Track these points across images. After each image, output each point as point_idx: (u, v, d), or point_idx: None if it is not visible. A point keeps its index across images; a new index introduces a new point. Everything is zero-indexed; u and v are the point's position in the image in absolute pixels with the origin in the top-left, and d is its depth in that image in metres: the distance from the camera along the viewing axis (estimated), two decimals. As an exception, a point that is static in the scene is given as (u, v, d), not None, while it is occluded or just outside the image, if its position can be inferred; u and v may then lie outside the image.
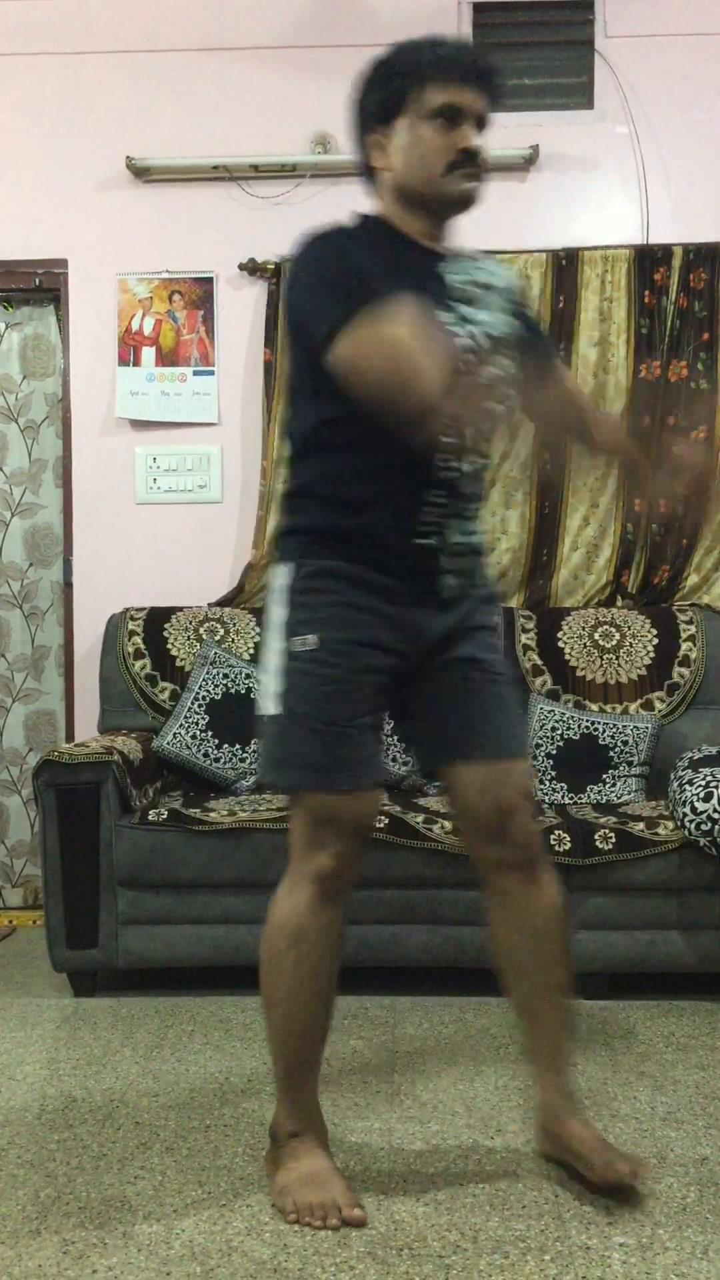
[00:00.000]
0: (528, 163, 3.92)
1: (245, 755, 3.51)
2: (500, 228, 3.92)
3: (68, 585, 4.10)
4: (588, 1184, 1.95)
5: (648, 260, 3.85)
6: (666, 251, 3.85)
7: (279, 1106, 1.98)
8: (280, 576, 1.93)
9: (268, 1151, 2.02)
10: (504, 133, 3.93)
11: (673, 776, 3.20)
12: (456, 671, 1.96)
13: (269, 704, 1.91)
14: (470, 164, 1.88)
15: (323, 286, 1.80)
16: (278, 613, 1.91)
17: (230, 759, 3.51)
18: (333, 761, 1.86)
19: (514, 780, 1.96)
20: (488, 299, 1.96)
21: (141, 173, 3.99)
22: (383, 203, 1.96)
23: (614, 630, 3.70)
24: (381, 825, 3.01)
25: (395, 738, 3.46)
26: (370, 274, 1.79)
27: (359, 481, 1.88)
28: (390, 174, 1.91)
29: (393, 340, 1.69)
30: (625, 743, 3.45)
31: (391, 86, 1.88)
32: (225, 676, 3.59)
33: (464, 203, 1.92)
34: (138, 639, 3.76)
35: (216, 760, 3.51)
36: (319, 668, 1.86)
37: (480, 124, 1.90)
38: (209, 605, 3.87)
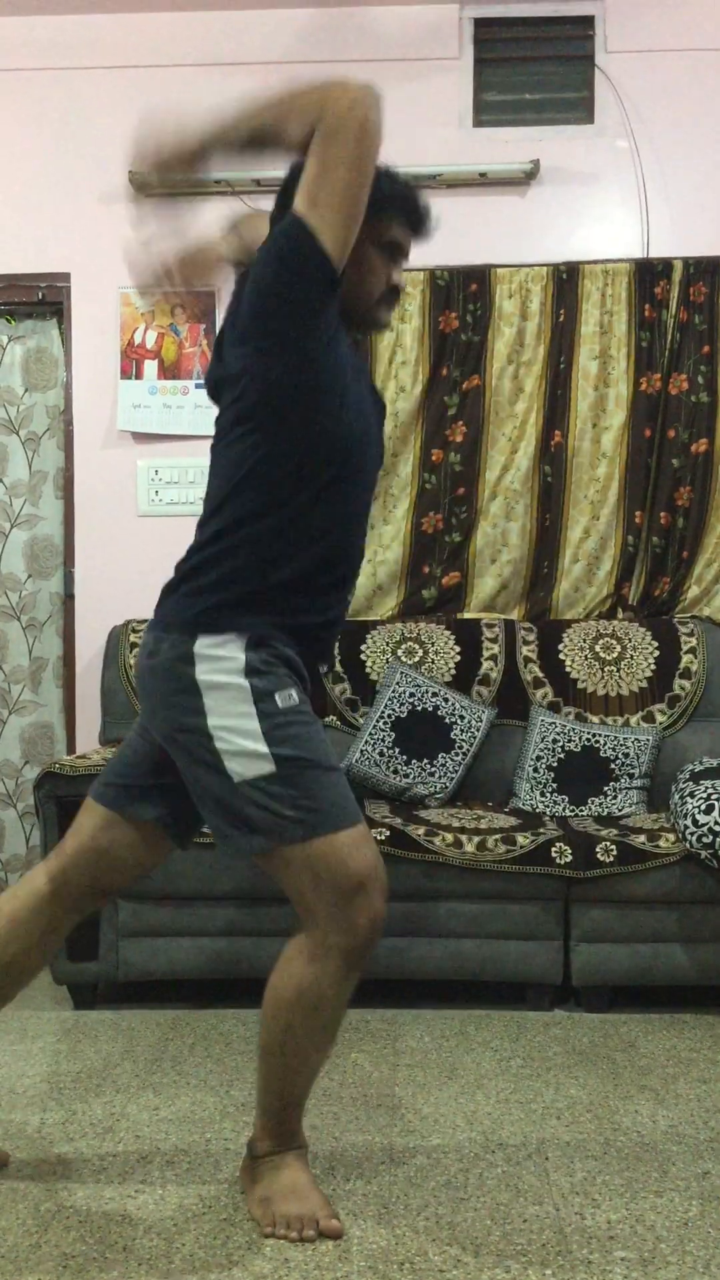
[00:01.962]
0: (528, 177, 3.93)
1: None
2: (501, 242, 3.95)
3: (69, 597, 4.11)
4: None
5: (648, 274, 3.87)
6: (667, 265, 3.87)
7: (261, 1128, 1.97)
8: (230, 650, 1.86)
9: (244, 1163, 2.02)
10: (505, 147, 3.97)
11: (674, 789, 3.20)
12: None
13: (255, 767, 1.83)
14: (394, 299, 2.02)
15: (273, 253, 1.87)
16: (238, 681, 1.84)
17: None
18: (343, 797, 1.88)
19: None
20: None
21: (144, 187, 4.00)
22: None
23: (615, 642, 3.70)
24: (382, 838, 3.01)
25: (397, 750, 3.46)
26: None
27: (320, 560, 1.92)
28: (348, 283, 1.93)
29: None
30: (626, 755, 3.45)
31: (378, 199, 1.92)
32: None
33: (381, 330, 2.07)
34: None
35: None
36: (308, 718, 1.89)
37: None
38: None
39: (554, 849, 3.00)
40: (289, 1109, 1.95)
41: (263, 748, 1.83)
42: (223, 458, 1.93)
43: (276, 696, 1.85)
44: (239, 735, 1.84)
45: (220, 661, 1.86)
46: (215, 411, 2.00)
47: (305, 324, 1.82)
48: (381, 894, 1.87)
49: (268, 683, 1.86)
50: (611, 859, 2.99)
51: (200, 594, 1.90)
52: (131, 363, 4.03)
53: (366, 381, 2.04)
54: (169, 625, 1.91)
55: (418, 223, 1.99)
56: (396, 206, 1.95)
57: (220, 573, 1.90)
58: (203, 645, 1.87)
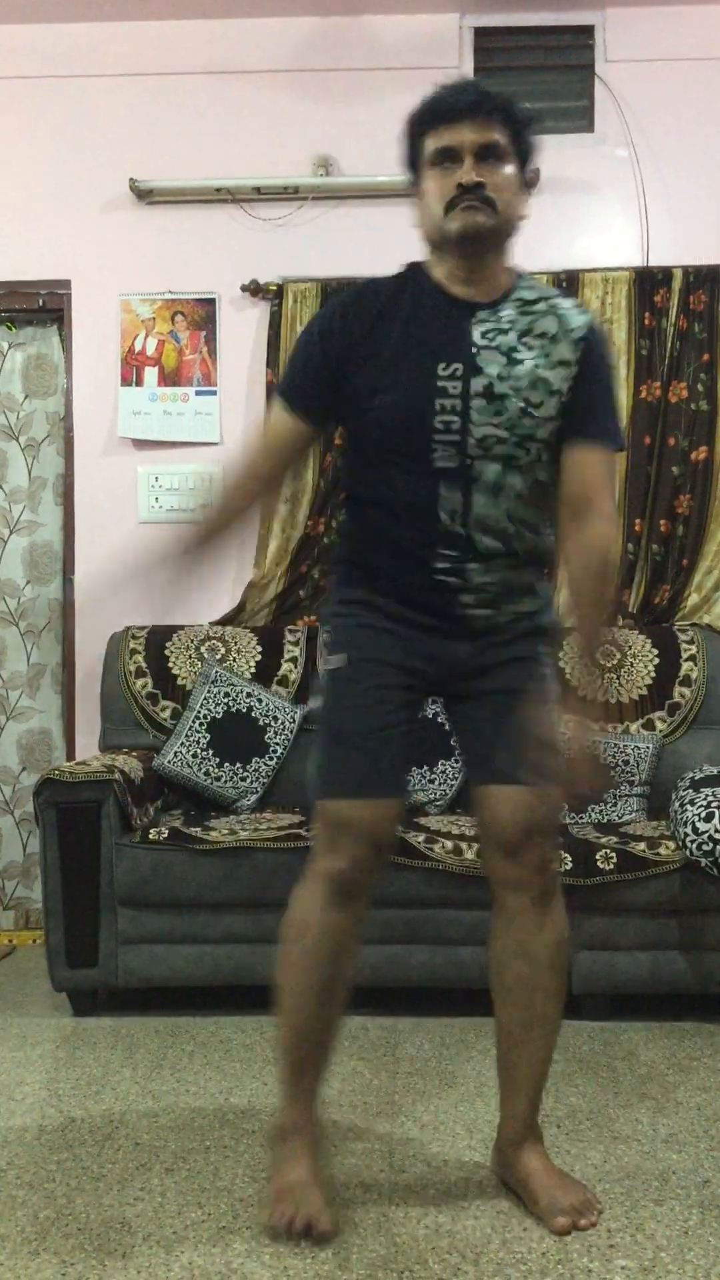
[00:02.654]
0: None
1: (246, 774, 3.51)
2: (501, 249, 3.95)
3: (69, 604, 4.11)
4: (536, 1215, 1.97)
5: (648, 282, 3.87)
6: (666, 274, 3.87)
7: (280, 1098, 2.02)
8: (329, 604, 2.10)
9: (268, 1138, 2.08)
10: (505, 156, 3.97)
11: (674, 796, 3.20)
12: (488, 701, 2.01)
13: (313, 711, 2.09)
14: (466, 196, 1.86)
15: (293, 351, 2.07)
16: (322, 636, 2.11)
17: (231, 778, 3.51)
18: (348, 771, 1.94)
19: (526, 807, 1.97)
20: (535, 346, 1.93)
21: (145, 194, 4.02)
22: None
23: (615, 650, 3.70)
24: (382, 845, 3.01)
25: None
26: (312, 355, 1.98)
27: (377, 525, 1.99)
28: (421, 225, 1.97)
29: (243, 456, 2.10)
30: (626, 762, 3.45)
31: (409, 143, 1.96)
32: (226, 695, 3.59)
33: (468, 235, 1.88)
34: (139, 657, 3.76)
35: (217, 779, 3.51)
36: (345, 684, 1.97)
37: (489, 153, 1.87)
38: (210, 624, 3.88)
39: (554, 856, 3.00)
40: (297, 1070, 1.98)
41: (315, 702, 2.08)
42: None
43: (331, 658, 2.01)
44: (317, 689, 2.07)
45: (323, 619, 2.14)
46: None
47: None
48: (369, 841, 1.93)
49: (333, 638, 2.02)
50: (611, 866, 2.98)
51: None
52: (132, 369, 4.03)
53: (433, 348, 1.91)
54: None
55: (454, 114, 1.86)
56: (426, 120, 1.90)
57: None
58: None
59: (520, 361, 1.91)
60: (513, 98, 1.92)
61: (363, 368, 1.93)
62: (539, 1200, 1.96)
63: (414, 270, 2.00)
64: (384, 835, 1.98)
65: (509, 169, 1.90)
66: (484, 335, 1.91)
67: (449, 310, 1.93)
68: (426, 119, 1.91)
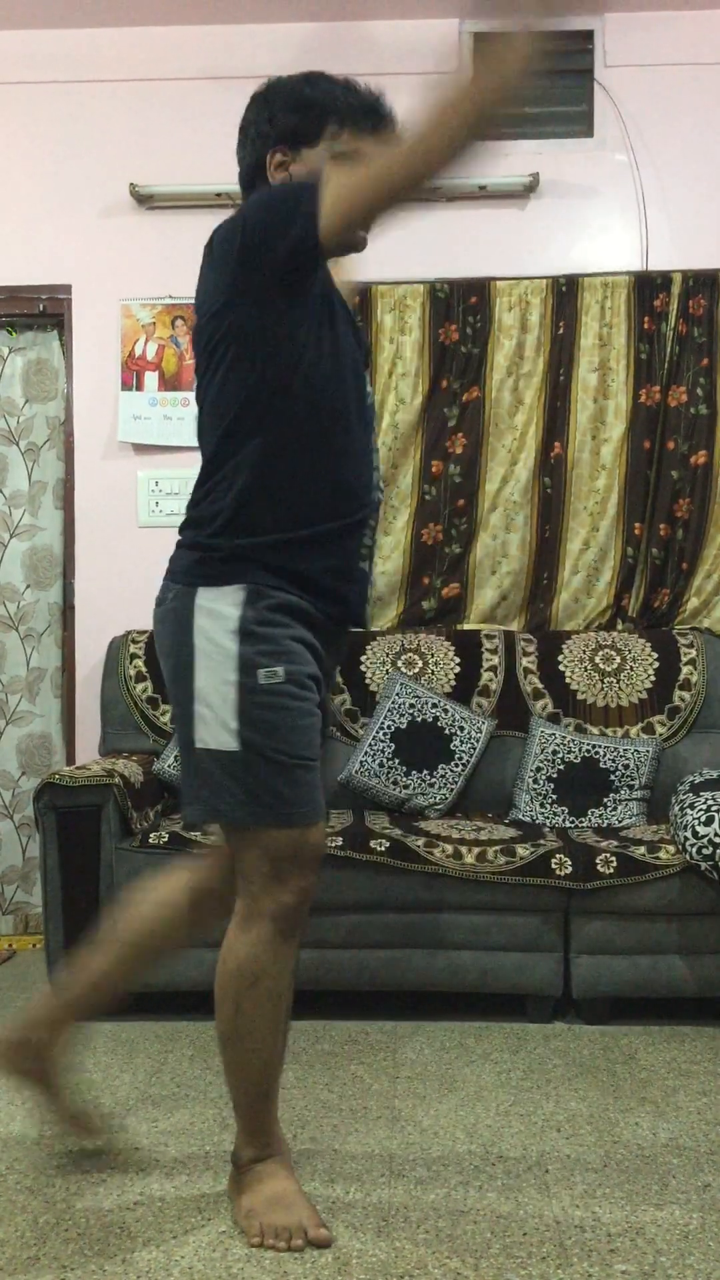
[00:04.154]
0: (528, 190, 3.95)
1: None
2: (501, 254, 3.96)
3: (69, 608, 4.11)
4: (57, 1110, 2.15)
5: (647, 286, 3.88)
6: (666, 278, 3.88)
7: (240, 1134, 1.98)
8: (225, 604, 1.84)
9: (230, 1175, 2.02)
10: (504, 160, 3.98)
11: (674, 800, 3.20)
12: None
13: (218, 739, 1.83)
14: None
15: (265, 214, 1.79)
16: (228, 644, 1.82)
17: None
18: (298, 796, 1.85)
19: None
20: None
21: (145, 199, 4.03)
22: None
23: (614, 654, 3.70)
24: (382, 849, 3.01)
25: (397, 760, 3.46)
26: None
27: (318, 503, 1.87)
28: None
29: (381, 164, 1.70)
30: (626, 766, 3.45)
31: (309, 117, 1.90)
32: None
33: (352, 250, 1.90)
34: (139, 662, 3.76)
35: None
36: (287, 701, 1.83)
37: None
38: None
39: (554, 860, 3.00)
40: (258, 1105, 1.95)
41: (233, 723, 1.82)
42: (206, 403, 1.92)
43: (260, 672, 1.81)
44: (217, 704, 1.83)
45: (216, 619, 1.84)
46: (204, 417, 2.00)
47: (284, 281, 1.80)
48: (313, 868, 1.89)
49: (258, 650, 1.82)
50: (611, 870, 2.98)
51: (198, 544, 1.90)
52: (132, 374, 4.04)
53: (345, 317, 1.92)
54: (174, 574, 1.93)
55: (378, 126, 1.90)
56: (351, 116, 1.88)
57: (219, 521, 1.87)
58: (203, 598, 1.86)
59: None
60: None
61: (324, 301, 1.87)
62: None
63: None
64: (320, 860, 1.94)
65: None
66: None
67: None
68: (353, 116, 1.88)
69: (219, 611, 1.84)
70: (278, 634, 1.84)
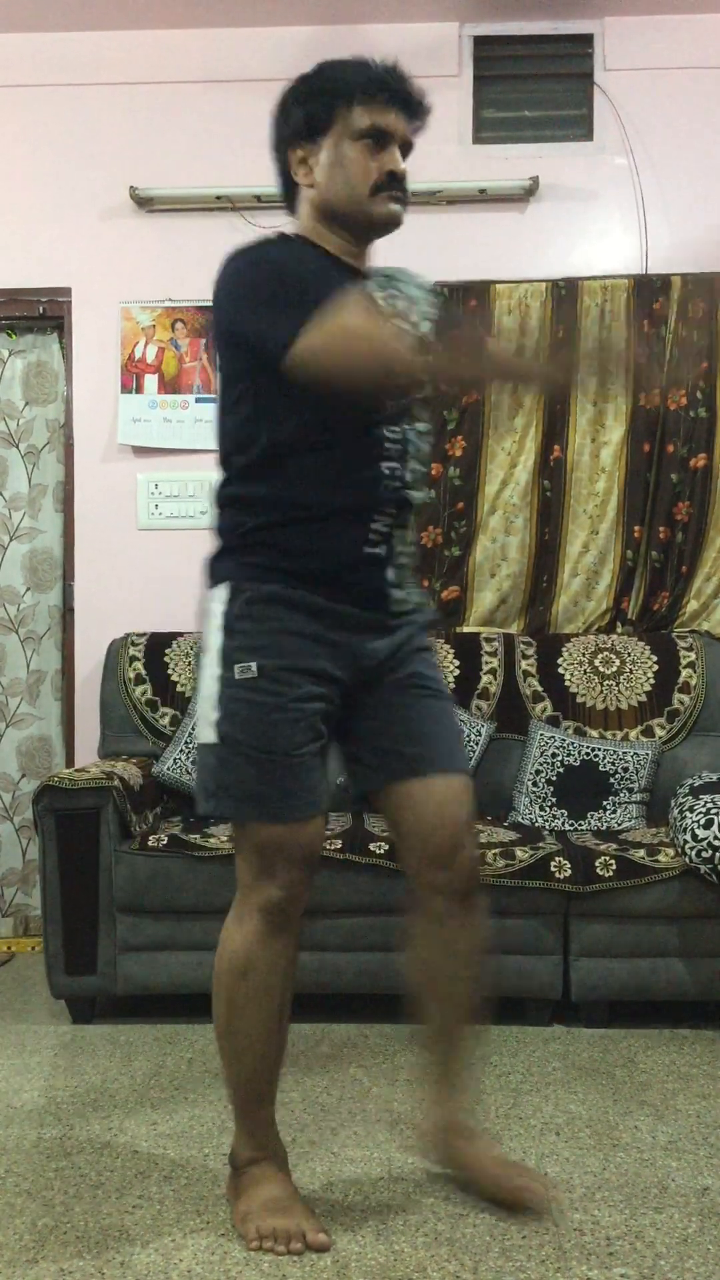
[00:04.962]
0: (527, 194, 3.96)
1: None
2: (500, 257, 3.97)
3: (68, 610, 4.11)
4: (495, 1201, 2.00)
5: (646, 290, 3.88)
6: (665, 281, 3.88)
7: (236, 1134, 1.99)
8: (216, 601, 1.88)
9: (228, 1179, 2.02)
10: (504, 164, 3.99)
11: (673, 803, 3.20)
12: (402, 689, 1.95)
13: (206, 732, 1.87)
14: (395, 186, 1.88)
15: (264, 297, 1.78)
16: (215, 639, 1.86)
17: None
18: (275, 791, 1.84)
19: (461, 800, 1.95)
20: (410, 313, 1.96)
21: (145, 202, 4.03)
22: (302, 221, 1.95)
23: (614, 657, 3.70)
24: (382, 852, 3.01)
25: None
26: (308, 280, 1.79)
27: (313, 492, 1.85)
28: (314, 191, 1.91)
29: (357, 328, 1.73)
30: (625, 769, 3.45)
31: (319, 103, 1.89)
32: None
33: (388, 225, 1.90)
34: (139, 664, 3.76)
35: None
36: (260, 695, 1.83)
37: (405, 148, 1.91)
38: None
39: (553, 863, 3.00)
40: (254, 1104, 1.95)
41: (214, 715, 1.86)
42: (219, 403, 1.95)
43: (236, 666, 1.83)
44: (206, 698, 1.88)
45: (210, 618, 1.89)
46: (213, 425, 2.00)
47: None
48: (303, 864, 1.88)
49: (238, 644, 1.84)
50: (611, 873, 2.98)
51: (213, 550, 1.94)
52: (132, 377, 4.04)
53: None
54: (204, 577, 1.96)
55: (393, 98, 1.87)
56: (360, 91, 1.86)
57: (220, 522, 1.93)
58: (207, 598, 1.91)
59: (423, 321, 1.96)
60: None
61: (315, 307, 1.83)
62: (502, 1184, 1.99)
63: (298, 239, 1.92)
64: (317, 855, 1.93)
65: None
66: (385, 300, 1.93)
67: (351, 280, 1.90)
68: (362, 90, 1.86)
69: (211, 610, 1.90)
70: (257, 628, 1.85)
